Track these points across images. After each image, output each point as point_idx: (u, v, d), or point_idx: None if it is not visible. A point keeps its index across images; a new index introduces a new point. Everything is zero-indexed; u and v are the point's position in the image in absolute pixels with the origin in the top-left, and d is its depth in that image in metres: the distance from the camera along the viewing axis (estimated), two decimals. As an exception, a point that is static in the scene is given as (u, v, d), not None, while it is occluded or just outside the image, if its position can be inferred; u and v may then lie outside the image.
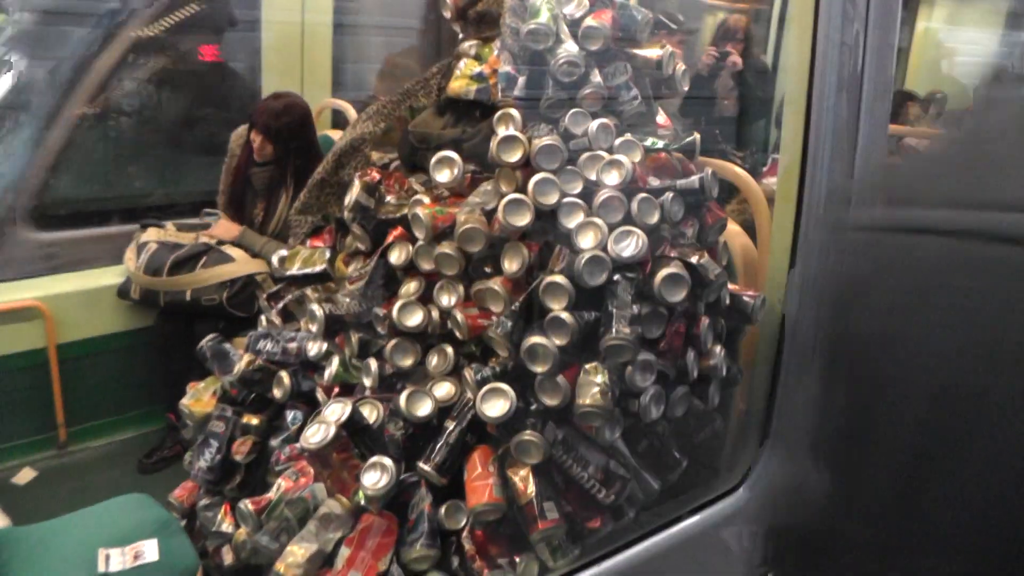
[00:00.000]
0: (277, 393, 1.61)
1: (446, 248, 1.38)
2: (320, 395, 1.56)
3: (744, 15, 4.45)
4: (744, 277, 1.71)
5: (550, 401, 1.28)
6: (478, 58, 1.56)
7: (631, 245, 1.29)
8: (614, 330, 1.26)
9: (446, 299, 1.39)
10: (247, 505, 1.40)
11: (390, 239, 1.50)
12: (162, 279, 2.68)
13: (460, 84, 1.48)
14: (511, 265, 1.33)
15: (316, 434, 1.27)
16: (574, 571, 1.31)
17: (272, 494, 1.41)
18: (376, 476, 1.27)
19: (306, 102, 2.89)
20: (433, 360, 1.40)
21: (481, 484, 1.28)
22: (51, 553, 1.62)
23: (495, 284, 1.33)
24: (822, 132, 1.47)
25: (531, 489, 1.29)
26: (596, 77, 1.44)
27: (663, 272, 1.30)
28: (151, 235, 2.81)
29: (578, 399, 1.26)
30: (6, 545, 1.60)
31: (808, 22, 1.49)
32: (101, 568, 1.55)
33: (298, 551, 1.27)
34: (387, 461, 1.28)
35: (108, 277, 2.86)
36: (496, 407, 1.26)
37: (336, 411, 1.31)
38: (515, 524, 1.32)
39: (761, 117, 4.76)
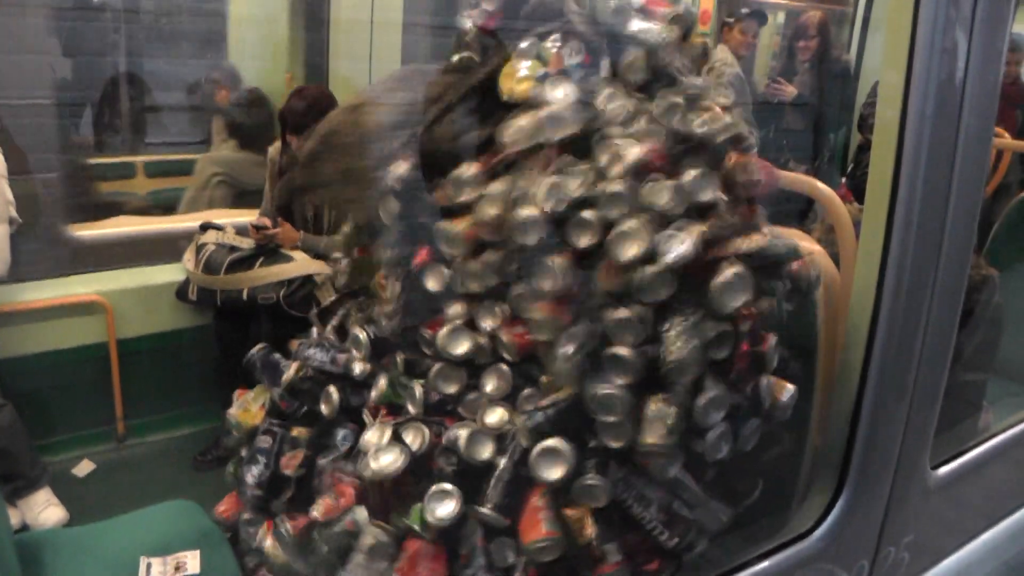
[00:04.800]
0: (325, 409, 1.55)
1: (476, 264, 1.31)
2: (366, 416, 1.50)
3: (820, 12, 4.25)
4: (825, 302, 1.58)
5: (615, 443, 1.19)
6: (540, 58, 1.47)
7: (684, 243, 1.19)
8: (675, 348, 1.16)
9: (488, 322, 1.31)
10: (286, 526, 1.35)
11: (417, 261, 1.43)
12: (220, 277, 2.69)
13: (526, 86, 1.40)
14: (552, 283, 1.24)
15: (394, 461, 1.22)
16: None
17: (312, 515, 1.35)
18: (445, 505, 1.21)
19: (329, 91, 2.92)
20: (489, 385, 1.32)
21: (533, 518, 1.20)
22: (93, 557, 1.60)
23: (538, 311, 1.24)
24: (919, 150, 1.33)
25: (591, 530, 1.20)
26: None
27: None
28: (210, 237, 2.83)
29: (642, 436, 1.17)
30: (49, 548, 1.59)
31: (906, 25, 1.35)
32: None
33: None
34: (451, 487, 1.22)
35: (168, 274, 2.88)
36: (554, 471, 1.18)
37: (377, 435, 1.24)
38: (570, 563, 1.23)
39: (838, 123, 4.54)
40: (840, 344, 1.56)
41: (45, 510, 2.43)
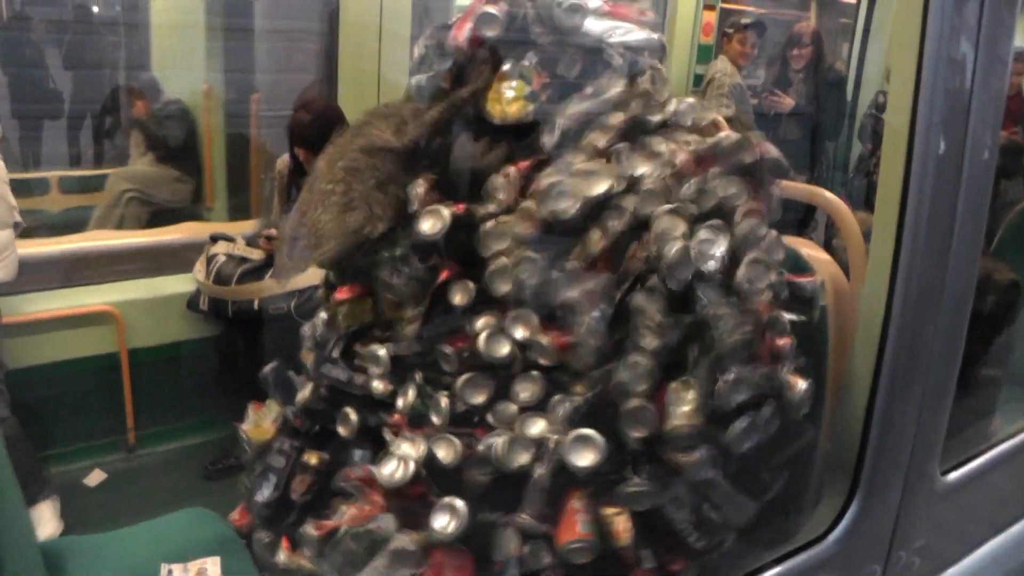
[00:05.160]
0: (343, 431, 1.54)
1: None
2: (387, 434, 1.50)
3: (811, 21, 4.31)
4: (835, 308, 1.61)
5: (636, 432, 1.21)
6: (523, 77, 1.50)
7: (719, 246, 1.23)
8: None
9: (520, 331, 1.33)
10: (311, 530, 1.36)
11: (442, 279, 1.45)
12: (231, 288, 2.71)
13: (517, 107, 1.43)
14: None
15: (395, 471, 1.23)
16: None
17: (337, 520, 1.36)
18: (445, 520, 1.23)
19: (336, 104, 2.97)
20: (523, 392, 1.33)
21: (569, 520, 1.22)
22: (112, 565, 1.62)
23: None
24: (928, 159, 1.36)
25: (629, 534, 1.22)
26: None
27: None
28: (220, 248, 2.85)
29: (668, 422, 1.19)
30: (68, 555, 1.60)
31: (914, 35, 1.37)
32: None
33: None
34: (459, 503, 1.23)
35: (179, 285, 2.91)
36: (585, 457, 1.20)
37: (410, 448, 1.26)
38: (601, 565, 1.24)
39: (833, 133, 4.57)
40: (849, 351, 1.58)
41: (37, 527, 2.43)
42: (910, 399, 1.49)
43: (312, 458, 1.56)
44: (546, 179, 1.33)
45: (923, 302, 1.43)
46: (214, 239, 2.91)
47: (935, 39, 1.34)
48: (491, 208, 1.38)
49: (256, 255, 2.79)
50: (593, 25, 1.43)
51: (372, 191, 1.43)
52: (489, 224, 1.37)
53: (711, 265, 1.21)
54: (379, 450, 1.53)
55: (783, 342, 1.32)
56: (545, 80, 1.40)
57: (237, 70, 3.92)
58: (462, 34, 1.48)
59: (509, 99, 1.42)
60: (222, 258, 2.79)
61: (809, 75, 3.96)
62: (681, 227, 1.24)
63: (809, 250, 1.62)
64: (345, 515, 1.35)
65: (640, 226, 1.29)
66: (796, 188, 1.57)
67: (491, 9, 1.45)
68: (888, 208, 1.38)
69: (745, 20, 4.06)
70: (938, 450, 1.60)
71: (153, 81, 4.15)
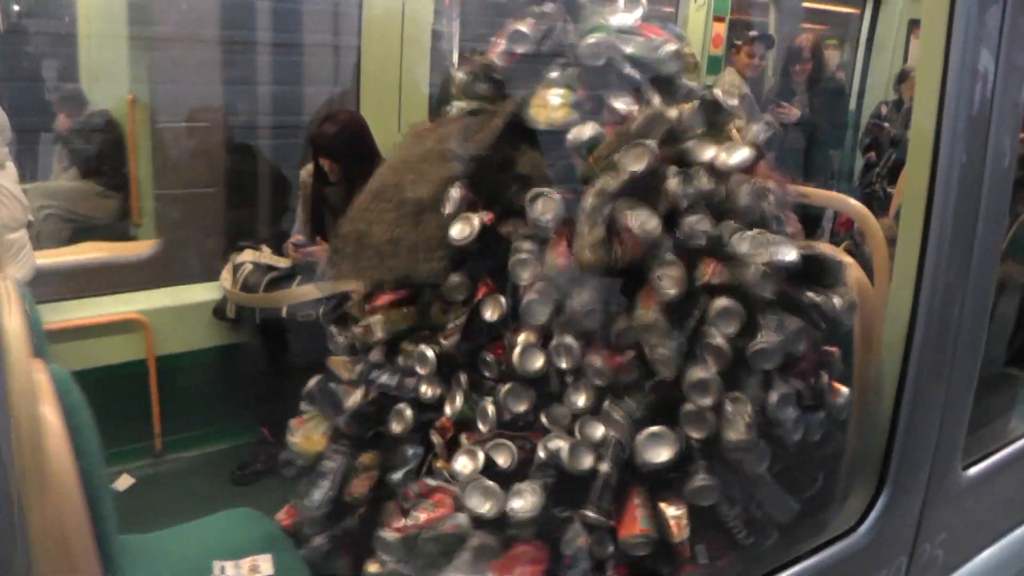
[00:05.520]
0: (397, 428, 1.60)
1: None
2: (434, 436, 1.56)
3: (813, 35, 4.39)
4: (860, 310, 1.67)
5: (696, 433, 1.28)
6: (569, 86, 1.56)
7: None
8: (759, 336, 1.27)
9: (565, 362, 1.38)
10: (389, 534, 1.41)
11: (481, 295, 1.51)
12: (258, 295, 2.77)
13: (563, 113, 1.49)
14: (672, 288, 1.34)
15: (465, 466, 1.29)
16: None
17: (411, 523, 1.41)
18: (522, 501, 1.29)
19: (360, 116, 3.04)
20: (580, 399, 1.39)
21: (631, 515, 1.28)
22: (166, 562, 1.67)
23: (649, 312, 1.32)
24: (952, 166, 1.43)
25: (685, 531, 1.28)
26: None
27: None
28: (247, 256, 2.91)
29: (726, 433, 1.26)
30: (125, 552, 1.66)
31: (939, 46, 1.44)
32: None
33: None
34: (531, 486, 1.30)
35: (206, 293, 2.96)
36: (661, 453, 1.26)
37: (470, 462, 1.33)
38: (656, 559, 1.30)
39: (833, 144, 4.64)
40: (875, 353, 1.65)
41: None
42: (935, 398, 1.56)
43: (367, 458, 1.62)
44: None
45: (947, 305, 1.50)
46: (240, 248, 2.97)
47: (959, 51, 1.41)
48: (528, 230, 1.44)
49: (282, 263, 2.86)
50: (623, 44, 1.49)
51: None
52: (523, 253, 1.43)
53: (783, 285, 1.28)
54: (429, 450, 1.59)
55: (830, 351, 1.39)
56: (587, 92, 1.46)
57: (168, 81, 3.78)
58: (497, 51, 1.55)
59: (555, 105, 1.48)
60: (249, 267, 2.85)
61: (811, 87, 4.04)
62: (763, 253, 1.30)
63: (835, 255, 1.69)
64: (419, 519, 1.40)
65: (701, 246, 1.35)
66: (822, 195, 1.64)
67: (522, 27, 1.52)
68: (914, 214, 1.45)
69: (753, 32, 4.14)
70: (960, 446, 1.66)
71: (77, 92, 3.91)
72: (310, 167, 3.03)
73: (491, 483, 1.33)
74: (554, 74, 1.50)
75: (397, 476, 1.55)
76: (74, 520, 1.07)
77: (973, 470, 1.72)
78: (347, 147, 2.82)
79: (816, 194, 1.60)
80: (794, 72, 4.06)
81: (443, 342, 1.54)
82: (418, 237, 1.55)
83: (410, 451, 1.56)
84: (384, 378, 1.66)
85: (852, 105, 4.82)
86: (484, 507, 1.31)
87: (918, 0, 4.63)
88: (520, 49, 1.55)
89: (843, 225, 3.41)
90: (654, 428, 1.29)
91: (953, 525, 1.70)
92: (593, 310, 1.39)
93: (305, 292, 2.73)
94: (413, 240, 1.54)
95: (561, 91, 1.48)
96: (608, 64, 1.44)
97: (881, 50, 4.66)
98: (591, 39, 1.44)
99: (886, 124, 4.37)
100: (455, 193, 1.59)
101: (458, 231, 1.53)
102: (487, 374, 1.51)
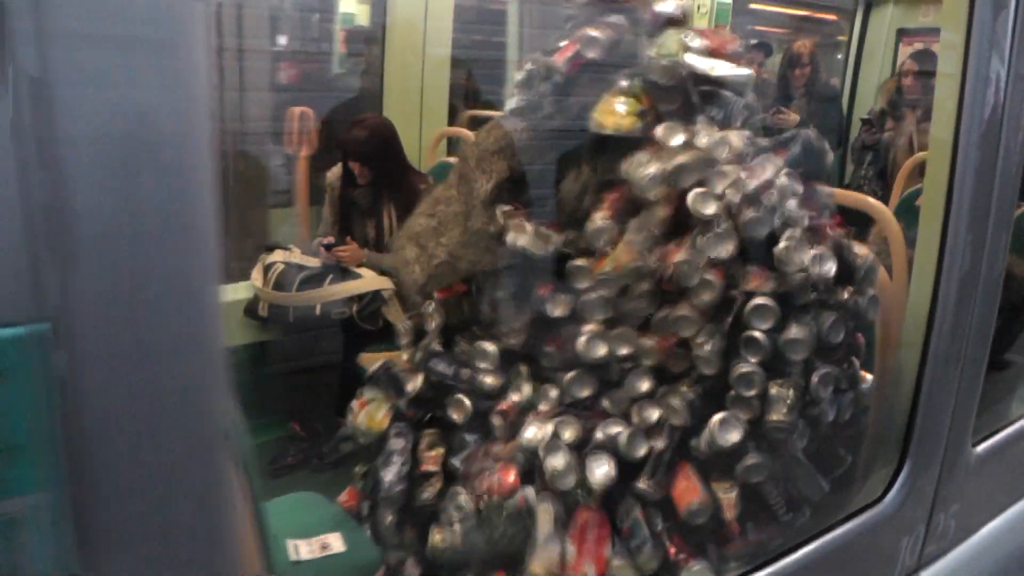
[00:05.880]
0: (457, 416, 1.71)
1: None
2: (497, 419, 1.66)
3: (810, 40, 4.56)
4: (881, 303, 1.83)
5: (743, 415, 1.41)
6: (636, 96, 1.67)
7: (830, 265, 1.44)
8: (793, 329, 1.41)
9: (624, 349, 1.51)
10: (462, 502, 1.53)
11: (543, 292, 1.62)
12: (291, 294, 2.88)
13: (630, 121, 1.60)
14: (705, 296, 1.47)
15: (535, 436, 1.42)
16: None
17: (480, 494, 1.53)
18: (605, 467, 1.41)
19: (388, 120, 3.17)
20: (642, 385, 1.52)
21: (690, 488, 1.42)
22: (240, 543, 1.78)
23: (685, 311, 1.46)
24: (967, 169, 1.58)
25: (737, 508, 1.42)
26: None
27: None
28: (278, 256, 3.02)
29: (768, 415, 1.40)
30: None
31: (959, 53, 1.58)
32: (293, 557, 1.71)
33: (545, 550, 1.42)
34: (607, 454, 1.43)
35: (238, 292, 3.06)
36: (732, 436, 1.40)
37: (540, 431, 1.46)
38: (704, 532, 1.44)
39: (836, 144, 4.82)
40: (892, 343, 1.80)
41: None
42: (950, 382, 1.72)
43: (429, 437, 1.74)
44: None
45: (962, 296, 1.66)
46: (270, 248, 3.07)
47: (976, 59, 1.55)
48: (587, 243, 1.57)
49: (313, 262, 2.97)
50: (694, 62, 1.61)
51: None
52: (579, 261, 1.55)
53: (829, 282, 1.42)
54: (486, 434, 1.72)
55: (858, 340, 1.54)
56: (653, 106, 1.58)
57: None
58: (565, 56, 1.66)
59: (623, 113, 1.58)
60: (280, 266, 2.95)
61: (808, 92, 4.20)
62: (806, 252, 1.44)
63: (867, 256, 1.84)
64: (487, 487, 1.52)
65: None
66: (845, 195, 1.79)
67: (596, 33, 1.63)
68: (934, 214, 1.61)
69: (752, 41, 4.31)
70: (971, 427, 1.83)
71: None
72: (336, 169, 3.14)
73: (567, 446, 1.45)
74: (624, 83, 1.60)
75: (457, 461, 1.67)
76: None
77: (981, 447, 1.89)
78: (376, 151, 2.95)
79: (839, 194, 1.75)
80: (793, 77, 4.22)
81: (506, 340, 1.65)
82: (482, 238, 1.66)
83: (469, 438, 1.67)
84: (440, 367, 1.77)
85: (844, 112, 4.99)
86: (560, 467, 1.43)
87: (907, 10, 4.84)
88: (592, 55, 1.63)
89: (839, 225, 3.58)
90: (724, 413, 1.42)
91: (964, 497, 1.86)
92: (643, 305, 1.53)
93: (339, 290, 2.84)
94: (479, 240, 1.66)
95: (629, 100, 1.58)
96: (677, 84, 1.56)
97: (871, 58, 4.86)
98: (666, 61, 1.55)
99: (873, 131, 4.52)
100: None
101: (514, 239, 1.64)
102: (546, 364, 1.63)
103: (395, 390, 1.88)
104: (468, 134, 3.32)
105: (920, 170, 3.27)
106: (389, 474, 1.70)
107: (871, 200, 1.86)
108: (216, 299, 0.70)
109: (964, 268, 1.65)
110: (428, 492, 1.67)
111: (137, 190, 0.62)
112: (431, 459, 1.70)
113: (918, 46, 4.63)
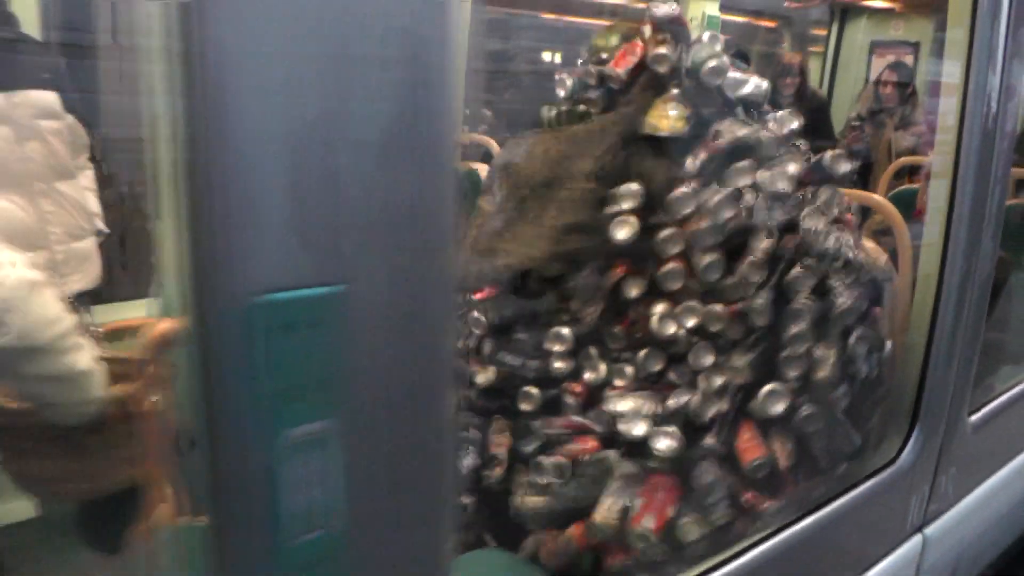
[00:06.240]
0: (527, 406, 1.79)
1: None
2: (568, 398, 1.78)
3: (800, 53, 4.84)
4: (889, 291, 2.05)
5: (793, 372, 1.61)
6: (682, 103, 1.83)
7: None
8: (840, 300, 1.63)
9: (692, 320, 1.69)
10: (547, 461, 1.68)
11: (617, 275, 1.77)
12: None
13: (681, 125, 1.78)
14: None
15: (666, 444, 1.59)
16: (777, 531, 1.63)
17: (565, 456, 1.69)
18: (667, 442, 1.59)
19: None
20: (707, 359, 1.69)
21: (753, 443, 1.60)
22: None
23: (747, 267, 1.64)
24: (968, 171, 1.82)
25: (790, 458, 1.60)
26: None
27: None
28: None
29: (814, 373, 1.60)
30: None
31: (961, 65, 1.81)
32: None
33: (611, 503, 1.59)
34: (672, 429, 1.60)
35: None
36: (777, 407, 1.59)
37: (623, 403, 1.63)
38: (765, 486, 1.62)
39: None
40: (899, 327, 2.02)
41: None
42: (951, 358, 1.95)
43: (500, 424, 1.87)
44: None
45: (962, 284, 1.89)
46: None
47: (977, 69, 1.78)
48: (668, 217, 1.74)
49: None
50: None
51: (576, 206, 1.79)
52: (667, 232, 1.71)
53: (849, 253, 1.63)
54: (558, 415, 1.86)
55: (877, 310, 1.76)
56: (694, 111, 1.77)
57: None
58: (622, 65, 1.84)
59: (675, 117, 1.77)
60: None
61: (798, 101, 4.46)
62: (825, 226, 1.64)
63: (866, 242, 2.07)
64: (572, 453, 1.68)
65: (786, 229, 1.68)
66: (854, 193, 2.00)
67: (662, 51, 1.81)
68: (938, 212, 1.84)
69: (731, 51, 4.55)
70: (968, 398, 2.07)
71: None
72: None
73: (646, 416, 1.62)
74: (675, 91, 1.79)
75: (529, 448, 1.76)
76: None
77: (975, 416, 2.13)
78: None
79: (850, 193, 1.97)
80: (783, 86, 4.47)
81: (581, 321, 1.80)
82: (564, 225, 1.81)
83: (537, 424, 1.81)
84: (509, 358, 1.90)
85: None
86: (642, 435, 1.60)
87: (879, 24, 5.16)
88: (662, 69, 1.77)
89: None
90: (770, 386, 1.60)
91: (960, 461, 2.10)
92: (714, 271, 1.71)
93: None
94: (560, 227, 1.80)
95: (679, 106, 1.77)
96: (716, 87, 1.75)
97: (846, 68, 5.16)
98: (712, 62, 1.74)
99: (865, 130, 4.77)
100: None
101: (625, 233, 1.71)
102: (612, 345, 1.79)
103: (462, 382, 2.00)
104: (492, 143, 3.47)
105: (905, 172, 3.55)
106: (468, 463, 1.83)
107: (875, 196, 2.08)
108: (456, 279, 0.87)
109: (964, 257, 1.88)
110: (496, 472, 1.79)
111: (411, 186, 0.79)
112: (500, 444, 1.83)
113: (890, 58, 4.94)
